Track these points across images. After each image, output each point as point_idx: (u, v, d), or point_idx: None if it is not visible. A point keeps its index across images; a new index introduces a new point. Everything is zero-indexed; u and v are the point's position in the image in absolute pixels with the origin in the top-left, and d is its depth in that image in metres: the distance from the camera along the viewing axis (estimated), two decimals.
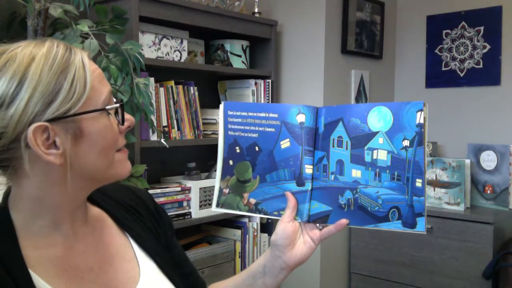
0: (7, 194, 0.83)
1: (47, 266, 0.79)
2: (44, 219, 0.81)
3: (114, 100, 0.84)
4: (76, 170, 0.79)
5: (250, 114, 1.02)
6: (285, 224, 0.98)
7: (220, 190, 1.04)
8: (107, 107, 0.80)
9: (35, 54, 0.75)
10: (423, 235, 2.65)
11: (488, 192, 2.73)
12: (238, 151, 1.03)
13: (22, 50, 0.76)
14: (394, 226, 0.95)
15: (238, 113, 1.03)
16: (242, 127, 1.03)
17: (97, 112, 0.78)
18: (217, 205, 1.04)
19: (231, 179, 1.03)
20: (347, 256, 2.95)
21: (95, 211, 0.93)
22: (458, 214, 2.57)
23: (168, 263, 0.97)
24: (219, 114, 1.04)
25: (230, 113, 1.03)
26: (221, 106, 1.04)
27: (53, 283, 0.78)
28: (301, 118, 0.99)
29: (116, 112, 0.83)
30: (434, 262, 2.60)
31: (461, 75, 3.06)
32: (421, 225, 0.93)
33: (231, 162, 1.03)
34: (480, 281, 2.45)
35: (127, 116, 0.85)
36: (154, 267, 0.93)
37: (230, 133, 1.03)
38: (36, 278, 0.77)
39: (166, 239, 1.01)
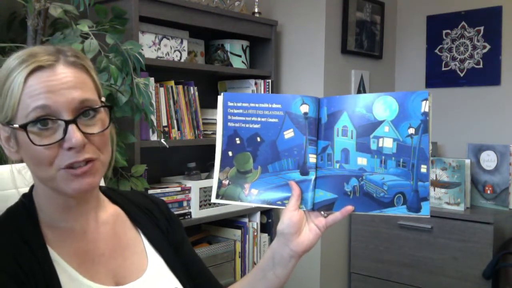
0: (31, 186, 0.94)
1: (62, 245, 0.89)
2: (51, 210, 0.91)
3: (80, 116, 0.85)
4: (31, 171, 0.89)
5: (252, 105, 1.02)
6: (291, 213, 0.99)
7: (220, 182, 1.03)
8: (14, 125, 0.84)
9: (3, 66, 0.87)
10: (423, 234, 2.64)
11: (488, 192, 2.73)
12: (238, 142, 1.03)
13: (4, 64, 0.88)
14: (399, 211, 0.98)
15: (239, 104, 1.03)
16: (243, 118, 1.02)
17: (18, 127, 0.83)
18: (217, 197, 1.03)
19: (231, 170, 1.03)
20: (347, 256, 2.95)
21: (112, 208, 1.01)
22: (458, 214, 2.57)
23: (175, 261, 1.03)
24: (218, 106, 1.03)
25: (230, 104, 1.03)
26: (220, 97, 1.03)
27: (67, 260, 0.87)
28: (304, 108, 1.01)
29: (64, 130, 0.83)
30: (434, 262, 2.60)
31: (461, 75, 3.06)
32: (426, 209, 0.96)
33: (230, 154, 1.03)
34: (480, 281, 2.45)
35: (72, 135, 0.83)
36: (162, 262, 1.00)
37: (230, 124, 1.03)
38: (52, 252, 0.87)
39: (176, 241, 1.08)
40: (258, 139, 1.02)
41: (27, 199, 0.92)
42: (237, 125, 1.03)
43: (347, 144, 0.99)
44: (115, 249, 0.95)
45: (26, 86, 0.82)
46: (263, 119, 1.02)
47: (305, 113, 1.00)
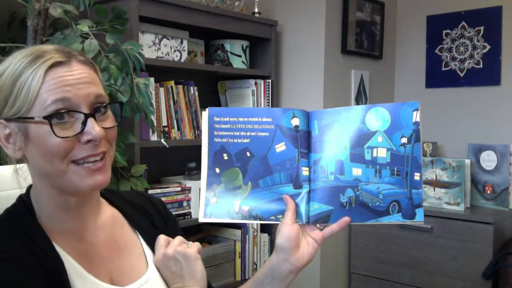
0: (28, 188, 0.94)
1: (64, 244, 0.89)
2: (48, 213, 0.90)
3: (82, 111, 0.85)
4: (35, 169, 0.88)
5: (241, 119, 1.00)
6: (289, 227, 0.98)
7: (207, 200, 1.00)
8: (36, 117, 0.83)
9: (9, 63, 0.87)
10: (423, 234, 2.65)
11: (488, 192, 2.73)
12: (225, 158, 1.00)
13: (6, 61, 0.88)
14: (395, 218, 0.99)
15: (227, 119, 1.00)
16: (231, 133, 1.00)
17: (37, 119, 0.83)
18: (205, 216, 0.99)
19: (219, 187, 1.00)
20: (347, 256, 2.95)
21: (110, 210, 1.01)
22: (458, 214, 2.57)
23: None
24: (203, 121, 1.01)
25: (216, 119, 1.00)
26: (205, 113, 1.01)
27: (71, 255, 0.88)
28: (295, 121, 1.01)
29: (83, 123, 0.84)
30: (434, 262, 2.60)
31: (461, 75, 3.06)
32: (420, 215, 0.99)
33: (217, 170, 1.00)
34: (480, 281, 2.45)
35: (92, 129, 0.84)
36: None
37: (216, 140, 1.00)
38: (57, 247, 0.87)
39: None
40: (248, 154, 1.00)
41: (24, 201, 0.91)
42: (224, 140, 1.00)
43: (341, 155, 1.00)
44: (113, 251, 0.95)
45: (45, 80, 0.83)
46: (252, 133, 1.00)
47: (296, 126, 1.00)
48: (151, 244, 1.01)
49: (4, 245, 0.82)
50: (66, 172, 0.84)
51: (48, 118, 0.82)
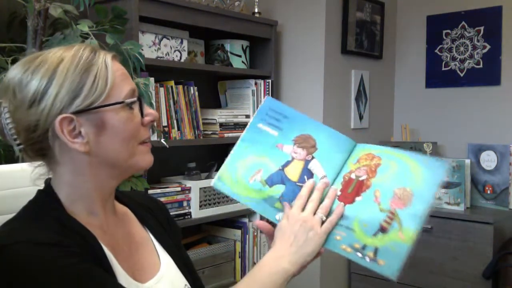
0: (48, 182, 0.94)
1: (95, 233, 0.90)
2: (81, 205, 0.91)
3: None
4: (100, 158, 0.89)
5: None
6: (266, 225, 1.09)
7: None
8: (126, 100, 0.88)
9: (63, 56, 0.86)
10: (423, 234, 2.65)
11: (488, 192, 2.73)
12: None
13: (54, 54, 0.87)
14: None
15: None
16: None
17: (118, 106, 0.87)
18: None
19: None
20: None
21: (121, 207, 1.04)
22: (458, 214, 2.57)
23: (179, 260, 1.05)
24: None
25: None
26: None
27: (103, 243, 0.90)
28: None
29: (140, 107, 0.91)
30: (434, 262, 2.60)
31: (461, 75, 3.06)
32: None
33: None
34: (480, 281, 2.45)
35: (150, 111, 0.93)
36: (171, 260, 1.03)
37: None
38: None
39: (175, 243, 1.10)
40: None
41: (48, 194, 0.91)
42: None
43: None
44: (132, 246, 0.98)
45: (113, 70, 0.88)
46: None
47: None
48: (161, 242, 1.04)
49: (43, 231, 0.83)
50: (135, 153, 0.90)
51: (138, 101, 0.90)
